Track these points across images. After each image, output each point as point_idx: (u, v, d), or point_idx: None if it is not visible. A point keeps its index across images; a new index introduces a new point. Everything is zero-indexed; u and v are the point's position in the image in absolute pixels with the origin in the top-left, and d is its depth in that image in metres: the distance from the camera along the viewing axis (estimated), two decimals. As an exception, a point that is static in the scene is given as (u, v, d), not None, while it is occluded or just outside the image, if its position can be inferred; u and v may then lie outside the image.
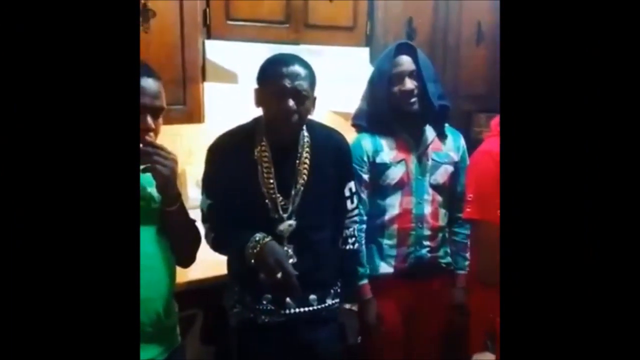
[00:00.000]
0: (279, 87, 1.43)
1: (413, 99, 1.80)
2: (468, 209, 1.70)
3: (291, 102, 1.43)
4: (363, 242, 1.82)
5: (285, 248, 1.53)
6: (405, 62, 1.80)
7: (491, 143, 1.49)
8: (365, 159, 1.83)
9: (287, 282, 1.41)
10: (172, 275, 1.46)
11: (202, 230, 1.55)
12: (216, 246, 1.60)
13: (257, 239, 1.44)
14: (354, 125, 1.95)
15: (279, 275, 1.40)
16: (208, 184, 1.58)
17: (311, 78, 1.48)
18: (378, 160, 1.83)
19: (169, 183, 1.31)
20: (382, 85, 1.81)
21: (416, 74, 1.81)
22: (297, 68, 1.45)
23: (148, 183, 1.40)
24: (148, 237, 1.38)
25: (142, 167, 1.24)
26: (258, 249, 1.43)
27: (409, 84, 1.79)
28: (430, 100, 1.82)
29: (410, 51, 1.82)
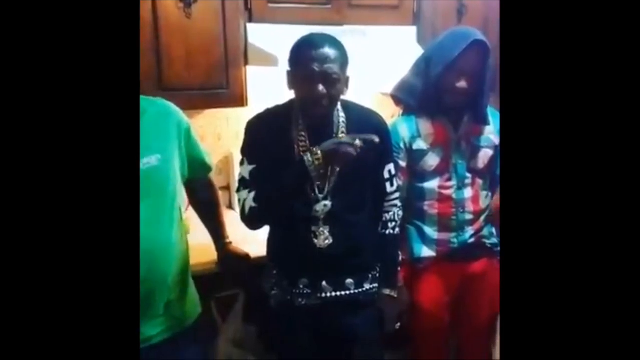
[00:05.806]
0: (308, 71, 1.40)
1: (461, 98, 1.71)
2: None
3: (321, 87, 1.40)
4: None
5: (321, 229, 1.53)
6: (472, 61, 1.67)
7: None
8: (402, 145, 1.77)
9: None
10: (181, 257, 1.51)
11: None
12: (257, 214, 1.53)
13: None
14: (394, 97, 1.86)
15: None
16: (249, 152, 1.55)
17: (342, 59, 1.44)
18: (415, 146, 1.77)
19: None
20: (437, 69, 1.70)
21: (478, 76, 1.69)
22: (326, 50, 1.41)
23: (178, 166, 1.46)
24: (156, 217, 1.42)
25: None
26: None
27: (464, 83, 1.68)
28: (479, 102, 1.74)
29: (483, 52, 1.67)
